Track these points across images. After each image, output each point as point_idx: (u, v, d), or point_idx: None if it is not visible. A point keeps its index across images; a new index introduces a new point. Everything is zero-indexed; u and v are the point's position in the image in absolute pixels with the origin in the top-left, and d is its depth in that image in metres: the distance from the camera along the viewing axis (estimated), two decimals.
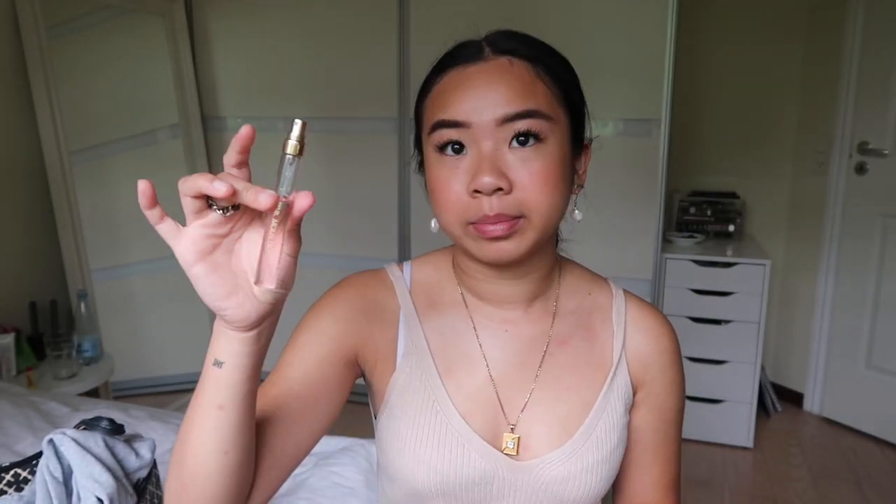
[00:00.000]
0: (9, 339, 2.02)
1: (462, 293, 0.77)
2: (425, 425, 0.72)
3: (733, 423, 2.52)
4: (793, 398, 2.92)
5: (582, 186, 0.74)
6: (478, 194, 0.64)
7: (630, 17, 2.34)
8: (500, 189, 0.63)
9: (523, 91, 0.65)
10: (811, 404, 2.85)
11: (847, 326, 2.70)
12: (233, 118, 2.89)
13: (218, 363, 0.55)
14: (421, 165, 0.73)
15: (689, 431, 2.56)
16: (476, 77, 0.65)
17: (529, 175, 0.64)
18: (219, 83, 2.87)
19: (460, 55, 0.68)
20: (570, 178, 0.70)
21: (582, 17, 2.38)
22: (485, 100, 0.64)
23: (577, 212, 0.74)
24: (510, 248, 0.66)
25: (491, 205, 0.64)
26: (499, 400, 0.74)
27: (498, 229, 0.64)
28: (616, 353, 0.77)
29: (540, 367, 0.75)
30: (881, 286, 2.58)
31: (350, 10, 2.63)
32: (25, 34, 2.22)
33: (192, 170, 2.82)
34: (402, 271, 0.79)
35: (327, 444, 1.41)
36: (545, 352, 0.76)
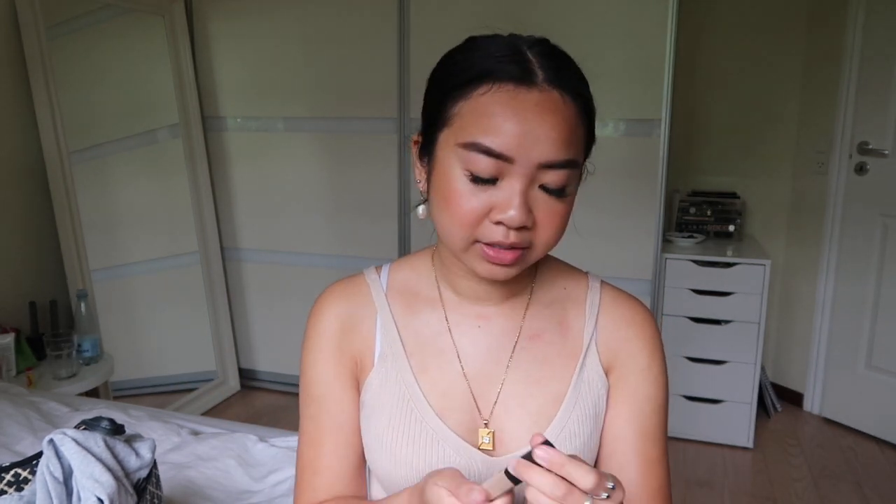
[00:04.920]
0: (9, 339, 2.02)
1: (439, 290, 0.79)
2: (401, 424, 0.74)
3: (733, 423, 2.52)
4: (793, 398, 2.92)
5: None
6: (500, 224, 0.65)
7: (630, 18, 2.34)
8: (524, 227, 0.65)
9: (569, 137, 0.64)
10: (811, 404, 2.85)
11: (847, 326, 2.70)
12: (233, 118, 2.89)
13: None
14: (423, 149, 0.71)
15: (689, 431, 2.56)
16: (528, 110, 0.63)
17: (550, 219, 0.66)
18: (219, 83, 2.87)
19: (507, 70, 0.64)
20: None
21: (582, 18, 2.38)
22: (535, 138, 0.62)
23: None
24: (507, 273, 0.68)
25: (509, 235, 0.65)
26: (472, 395, 0.76)
27: (505, 258, 0.66)
28: (585, 342, 0.77)
29: (510, 360, 0.76)
30: (881, 286, 2.58)
31: (350, 10, 2.63)
32: (25, 34, 2.22)
33: (193, 170, 2.82)
34: (379, 275, 0.82)
35: None
36: (515, 345, 0.77)
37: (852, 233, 2.66)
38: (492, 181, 0.64)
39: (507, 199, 0.64)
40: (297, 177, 2.84)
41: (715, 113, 2.94)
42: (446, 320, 0.78)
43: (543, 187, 0.65)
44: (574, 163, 0.65)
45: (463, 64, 0.67)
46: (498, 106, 0.63)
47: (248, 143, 2.89)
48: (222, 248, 2.96)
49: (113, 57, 2.57)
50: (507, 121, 0.62)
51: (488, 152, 0.63)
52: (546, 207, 0.66)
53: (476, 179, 0.64)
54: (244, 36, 2.81)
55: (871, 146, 2.56)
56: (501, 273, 0.68)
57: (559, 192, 0.66)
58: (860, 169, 2.61)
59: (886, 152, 2.51)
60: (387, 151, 2.67)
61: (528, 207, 0.64)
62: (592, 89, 0.70)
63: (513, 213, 0.63)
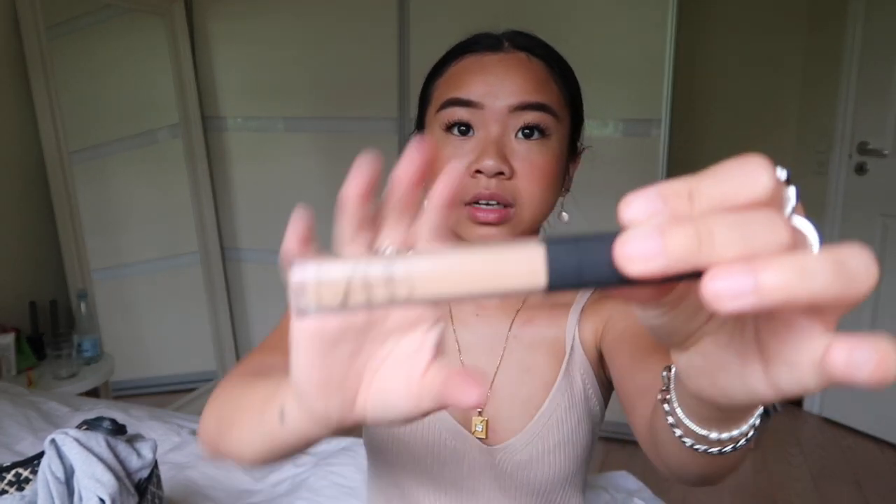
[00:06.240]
0: (9, 339, 2.02)
1: None
2: None
3: None
4: (793, 398, 2.92)
5: (568, 190, 0.77)
6: (478, 174, 0.66)
7: (630, 17, 2.34)
8: (501, 173, 0.66)
9: (538, 85, 0.68)
10: (811, 404, 2.85)
11: (847, 326, 2.68)
12: (233, 118, 2.89)
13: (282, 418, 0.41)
14: None
15: None
16: (494, 64, 0.68)
17: (530, 166, 0.67)
18: (219, 83, 2.87)
19: (478, 43, 0.71)
20: (562, 179, 0.73)
21: (582, 18, 2.38)
22: (501, 86, 0.67)
23: (564, 214, 0.76)
24: (495, 235, 0.68)
25: (488, 184, 0.66)
26: None
27: (490, 216, 0.67)
28: (571, 327, 0.75)
29: (504, 348, 0.76)
30: (881, 287, 2.58)
31: (350, 10, 2.63)
32: (25, 34, 2.21)
33: (193, 170, 2.82)
34: None
35: (327, 443, 1.41)
36: (509, 332, 0.77)
37: (852, 233, 2.66)
38: (465, 131, 0.68)
39: (482, 147, 0.67)
40: (297, 177, 2.84)
41: (715, 113, 2.95)
42: (449, 312, 0.78)
43: (520, 133, 0.67)
44: (547, 108, 0.68)
45: (444, 56, 0.74)
46: (466, 68, 0.70)
47: (248, 143, 2.89)
48: (222, 248, 2.96)
49: (113, 57, 2.57)
50: (474, 75, 0.68)
51: (458, 102, 0.67)
52: (524, 156, 0.67)
53: (451, 128, 0.68)
54: (244, 36, 2.81)
55: (871, 146, 2.56)
56: (490, 236, 0.67)
57: (535, 133, 0.67)
58: (860, 169, 2.61)
59: (886, 152, 2.51)
60: (387, 151, 2.66)
61: (503, 154, 0.66)
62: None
63: (488, 162, 0.65)
